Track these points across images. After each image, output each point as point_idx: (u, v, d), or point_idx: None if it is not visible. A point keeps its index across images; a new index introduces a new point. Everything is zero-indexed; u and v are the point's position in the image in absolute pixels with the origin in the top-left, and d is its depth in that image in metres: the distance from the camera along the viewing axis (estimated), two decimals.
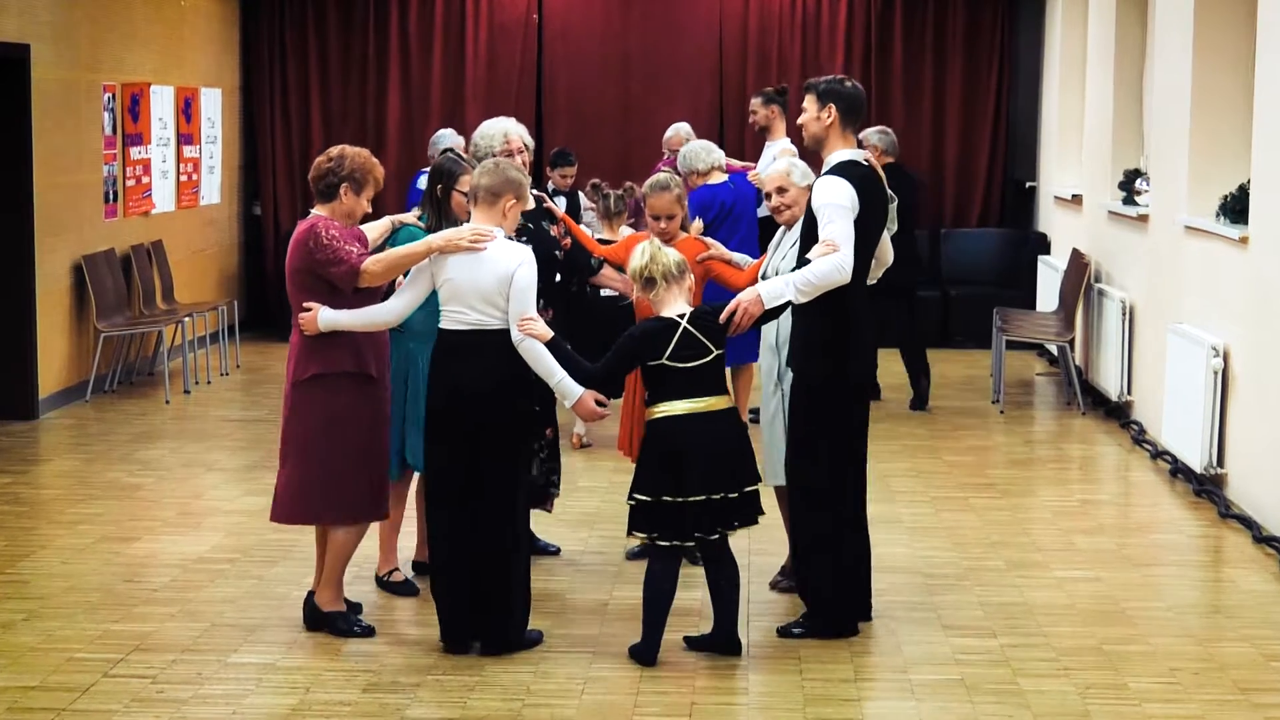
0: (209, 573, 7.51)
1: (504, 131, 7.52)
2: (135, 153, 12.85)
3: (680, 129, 11.70)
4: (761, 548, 7.63)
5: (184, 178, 13.97)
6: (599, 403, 6.33)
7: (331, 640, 6.55)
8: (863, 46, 15.44)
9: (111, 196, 12.42)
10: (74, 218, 11.79)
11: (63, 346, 11.66)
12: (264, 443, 10.40)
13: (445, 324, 6.35)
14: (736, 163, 11.74)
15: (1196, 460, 9.13)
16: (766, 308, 6.35)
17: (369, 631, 6.63)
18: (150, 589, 7.27)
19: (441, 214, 7.02)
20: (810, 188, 6.98)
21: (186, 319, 12.75)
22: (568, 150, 12.00)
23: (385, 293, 6.67)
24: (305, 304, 6.45)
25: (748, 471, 6.27)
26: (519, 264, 6.28)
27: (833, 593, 6.61)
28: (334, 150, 6.58)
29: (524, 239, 6.93)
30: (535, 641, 6.49)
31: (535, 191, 7.48)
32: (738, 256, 7.60)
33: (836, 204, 6.43)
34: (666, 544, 6.20)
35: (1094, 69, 12.98)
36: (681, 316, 6.23)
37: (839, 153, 6.64)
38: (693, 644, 6.43)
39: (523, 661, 6.31)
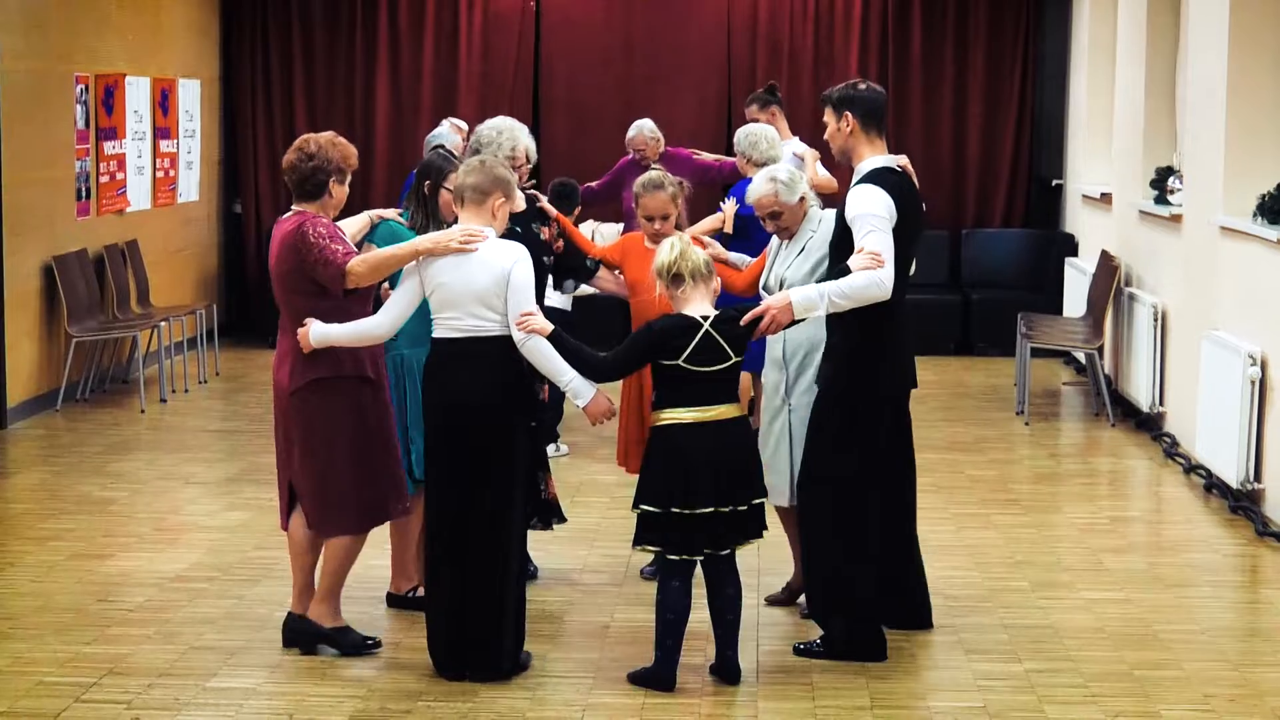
0: (187, 592, 7.53)
1: (518, 144, 7.30)
2: (109, 147, 12.87)
3: (643, 126, 11.57)
4: (771, 567, 7.65)
5: (160, 174, 13.99)
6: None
7: (316, 663, 6.56)
8: (879, 35, 15.46)
9: (84, 194, 12.44)
10: (44, 216, 11.81)
11: (32, 352, 11.68)
12: (244, 454, 10.42)
13: (439, 332, 6.36)
14: (709, 156, 11.73)
15: (1232, 475, 9.14)
16: (797, 318, 6.36)
17: (376, 644, 6.66)
18: (125, 609, 7.28)
19: (429, 213, 7.02)
20: (804, 198, 7.04)
21: (163, 323, 12.77)
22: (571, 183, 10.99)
23: (375, 294, 6.70)
24: (306, 321, 6.43)
25: (754, 484, 6.30)
26: (514, 262, 6.30)
27: (849, 626, 6.64)
28: (308, 146, 6.57)
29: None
30: (524, 665, 6.50)
31: (529, 190, 7.46)
32: (735, 256, 7.60)
33: (873, 214, 6.45)
34: (675, 557, 6.23)
35: (1124, 60, 13.00)
36: (705, 318, 6.24)
37: (869, 160, 6.67)
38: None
39: (519, 687, 6.32)
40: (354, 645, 6.65)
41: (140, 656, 6.65)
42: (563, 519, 7.53)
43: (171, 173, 14.26)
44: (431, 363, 6.42)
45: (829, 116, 6.73)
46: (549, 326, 6.27)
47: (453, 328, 6.32)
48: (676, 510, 6.17)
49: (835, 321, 6.55)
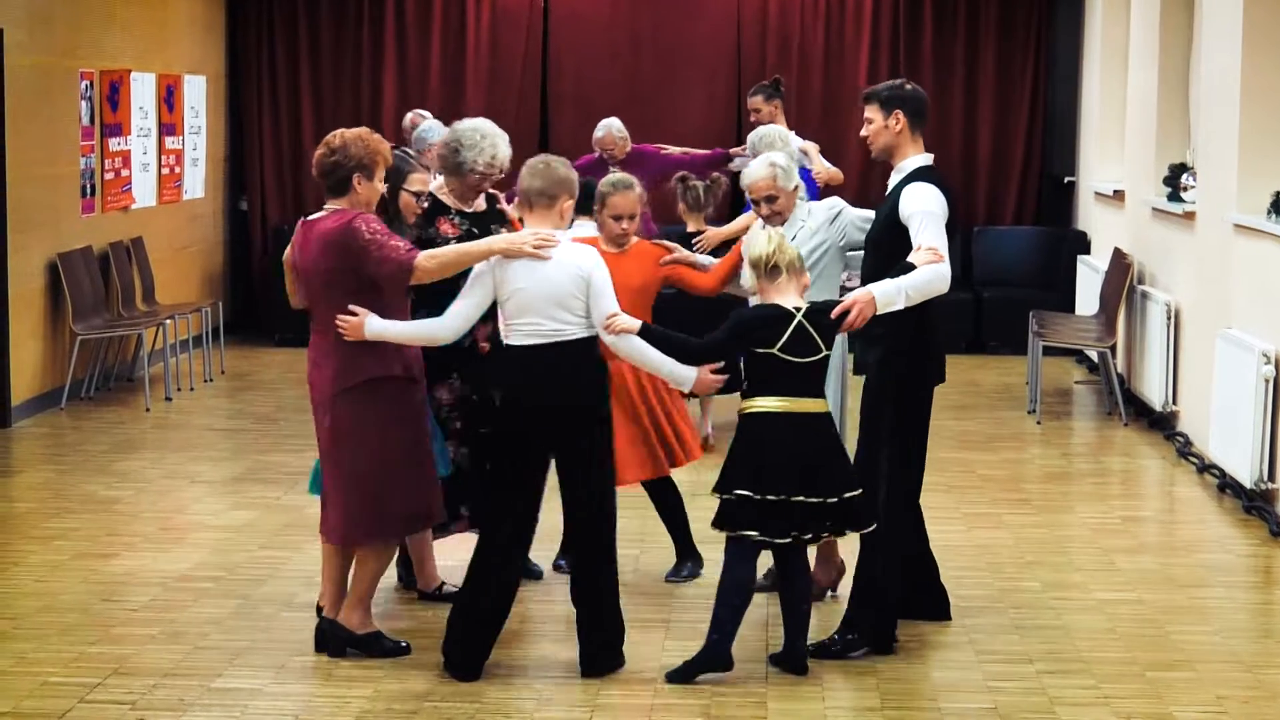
0: (192, 592, 7.53)
1: (498, 153, 7.16)
2: (114, 144, 12.89)
3: (611, 125, 11.61)
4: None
5: (166, 171, 14.00)
6: (716, 371, 6.43)
7: (322, 664, 6.57)
8: (890, 30, 15.45)
9: (89, 191, 12.46)
10: (49, 213, 11.82)
11: (36, 350, 11.69)
12: (250, 453, 10.43)
13: (514, 340, 6.35)
14: (676, 150, 11.78)
15: (1246, 474, 9.12)
16: (879, 312, 6.44)
17: (407, 650, 6.64)
18: (130, 609, 7.29)
19: (390, 216, 6.94)
20: (797, 187, 7.22)
21: (168, 321, 12.78)
22: None
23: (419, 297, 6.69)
24: (351, 307, 6.34)
25: (842, 477, 6.39)
26: (594, 266, 6.33)
27: (882, 620, 6.75)
28: (334, 140, 6.50)
29: None
30: (392, 652, 6.59)
31: (491, 190, 7.42)
32: (699, 258, 7.63)
33: (930, 211, 6.61)
34: (766, 540, 6.31)
35: (1137, 56, 12.98)
36: (797, 309, 6.35)
37: (914, 158, 6.83)
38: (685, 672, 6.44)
39: (525, 688, 6.33)
40: (384, 651, 6.62)
41: (145, 656, 6.65)
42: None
43: (177, 169, 14.28)
44: (508, 368, 6.40)
45: (874, 113, 6.83)
46: (637, 324, 6.33)
47: (531, 333, 6.31)
48: (772, 497, 6.26)
49: (883, 319, 6.61)
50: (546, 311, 6.29)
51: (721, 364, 6.47)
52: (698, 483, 9.69)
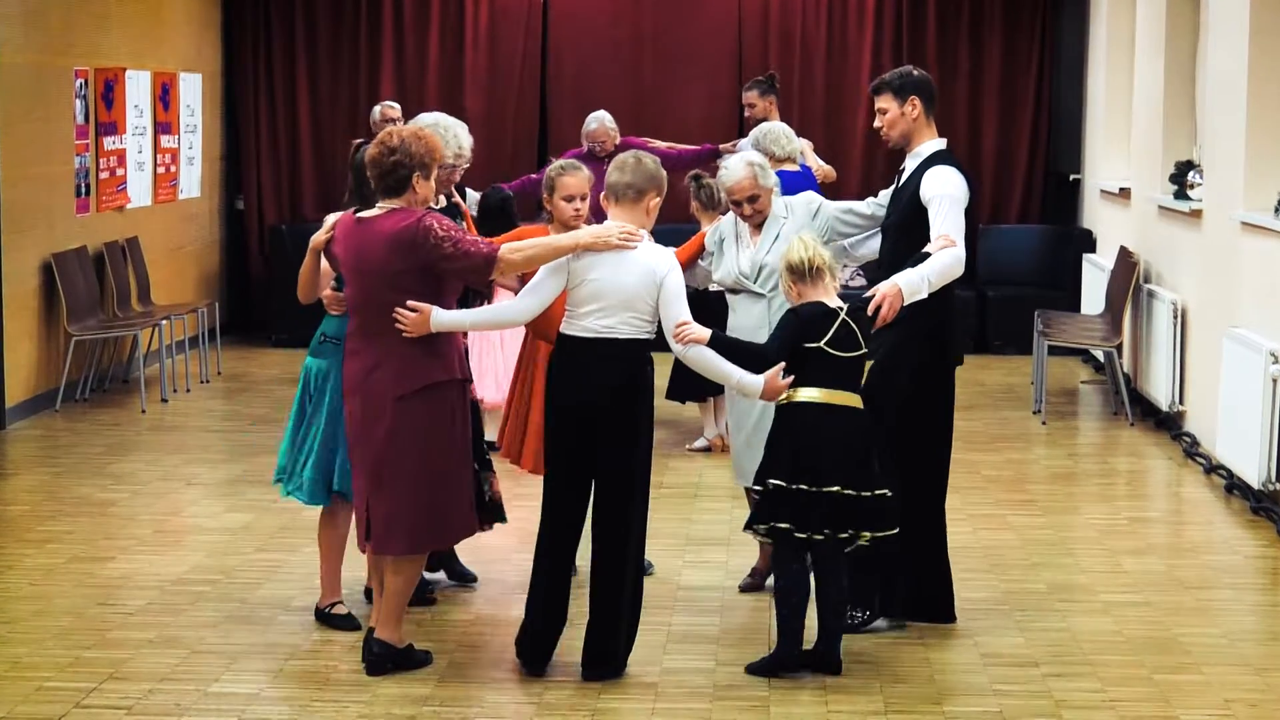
0: (188, 595, 7.53)
1: (463, 144, 7.20)
2: (109, 143, 12.88)
3: (603, 118, 11.63)
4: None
5: (161, 170, 14.00)
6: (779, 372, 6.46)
7: (320, 668, 6.57)
8: (893, 26, 15.45)
9: (83, 190, 12.46)
10: (43, 213, 11.82)
11: (31, 352, 11.69)
12: (246, 455, 10.42)
13: (570, 330, 6.37)
14: (662, 144, 11.84)
15: (1254, 475, 9.12)
16: (906, 302, 6.53)
17: (432, 659, 6.63)
18: (125, 613, 7.29)
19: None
20: (774, 184, 7.29)
21: (164, 322, 12.78)
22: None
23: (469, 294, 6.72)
24: (411, 303, 6.26)
25: (875, 474, 6.47)
26: (669, 269, 6.34)
27: (891, 573, 6.93)
28: (392, 139, 6.37)
29: None
30: (424, 663, 6.56)
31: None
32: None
33: (951, 195, 6.72)
34: (803, 535, 6.37)
35: (1143, 52, 12.99)
36: (840, 308, 6.48)
37: (930, 143, 6.92)
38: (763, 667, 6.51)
39: (527, 691, 6.33)
40: (418, 663, 6.57)
41: (141, 661, 6.65)
42: (503, 519, 7.45)
43: (172, 168, 14.28)
44: (556, 359, 6.43)
45: (888, 102, 6.92)
46: (707, 333, 6.35)
47: (585, 327, 6.33)
48: (804, 487, 6.34)
49: (909, 304, 6.68)
50: (611, 306, 6.30)
51: (784, 366, 6.44)
52: (700, 484, 9.71)
